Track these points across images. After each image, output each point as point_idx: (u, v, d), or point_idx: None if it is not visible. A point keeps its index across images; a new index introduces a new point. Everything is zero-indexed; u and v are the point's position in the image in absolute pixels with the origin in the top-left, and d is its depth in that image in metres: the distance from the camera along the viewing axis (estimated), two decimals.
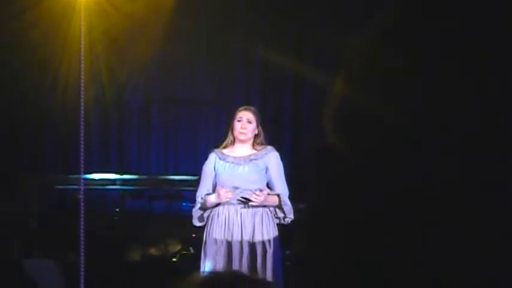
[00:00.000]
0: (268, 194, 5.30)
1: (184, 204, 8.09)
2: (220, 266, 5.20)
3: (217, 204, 5.33)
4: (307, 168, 8.35)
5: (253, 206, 5.28)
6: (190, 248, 7.54)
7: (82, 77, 6.83)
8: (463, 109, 4.02)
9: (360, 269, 5.14)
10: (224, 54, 9.21)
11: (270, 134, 8.64)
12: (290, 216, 5.38)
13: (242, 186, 5.29)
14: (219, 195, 5.24)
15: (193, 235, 7.22)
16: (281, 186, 5.39)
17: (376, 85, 4.96)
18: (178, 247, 7.73)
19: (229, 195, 5.21)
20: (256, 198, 5.20)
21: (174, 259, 7.66)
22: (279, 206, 5.34)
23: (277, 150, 5.50)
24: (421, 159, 4.42)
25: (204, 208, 5.38)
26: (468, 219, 3.92)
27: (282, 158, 5.48)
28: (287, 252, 7.13)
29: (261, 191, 5.24)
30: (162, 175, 8.88)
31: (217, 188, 5.29)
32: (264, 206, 5.32)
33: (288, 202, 5.38)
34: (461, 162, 4.02)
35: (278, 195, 5.34)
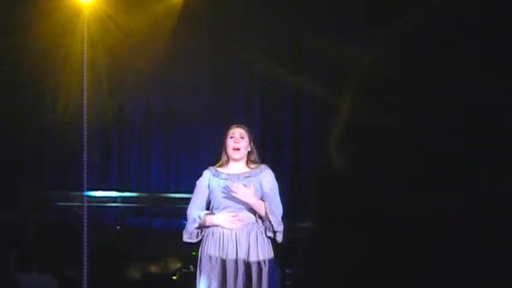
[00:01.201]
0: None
1: (184, 222, 8.10)
2: (215, 285, 5.16)
3: None
4: (308, 185, 8.37)
5: (247, 223, 5.28)
6: (190, 266, 7.53)
7: (84, 93, 6.89)
8: (463, 110, 4.07)
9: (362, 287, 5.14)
10: (225, 70, 9.26)
11: (271, 140, 8.71)
12: (279, 229, 5.27)
13: (236, 204, 5.29)
14: (227, 222, 5.27)
15: (193, 253, 7.22)
16: (275, 204, 5.33)
17: (376, 101, 5.00)
18: (178, 265, 7.73)
19: (239, 225, 5.25)
20: (237, 188, 5.21)
21: (174, 277, 7.66)
22: (266, 216, 5.29)
23: (277, 165, 5.50)
24: (423, 172, 4.45)
25: (201, 227, 5.38)
26: (468, 219, 3.95)
27: (278, 177, 5.46)
28: (287, 271, 7.14)
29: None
30: (162, 193, 8.89)
31: (230, 216, 5.29)
32: (254, 214, 5.29)
33: (277, 214, 5.29)
34: (461, 163, 4.05)
35: (264, 202, 5.30)
